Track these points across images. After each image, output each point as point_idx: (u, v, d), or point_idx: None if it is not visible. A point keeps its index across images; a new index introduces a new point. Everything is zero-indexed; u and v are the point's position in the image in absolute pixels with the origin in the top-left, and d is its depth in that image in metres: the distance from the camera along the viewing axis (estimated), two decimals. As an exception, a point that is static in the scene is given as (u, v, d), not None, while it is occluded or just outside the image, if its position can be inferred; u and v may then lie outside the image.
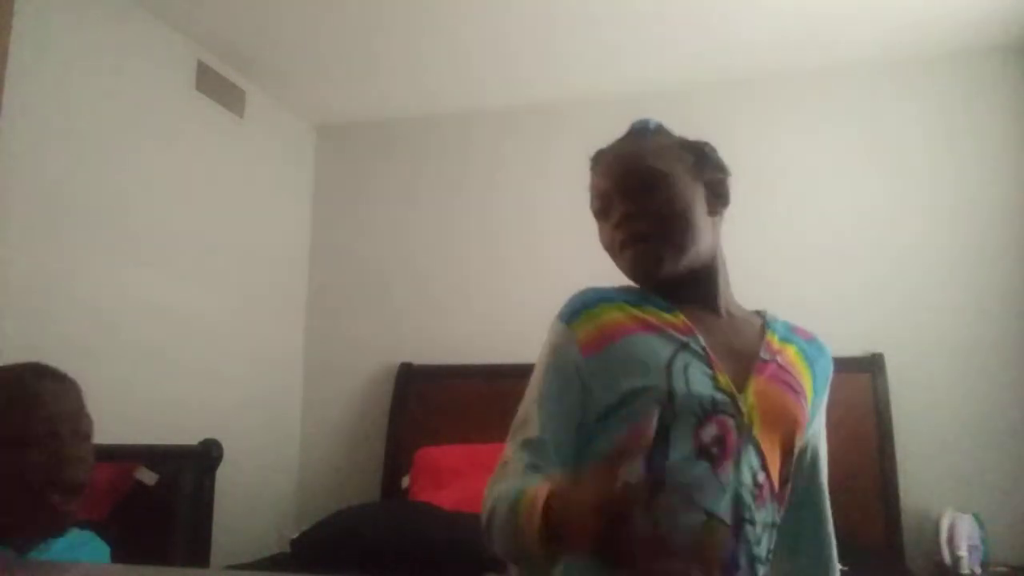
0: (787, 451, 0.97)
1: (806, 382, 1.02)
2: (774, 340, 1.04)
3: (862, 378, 2.71)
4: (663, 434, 0.89)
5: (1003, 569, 2.45)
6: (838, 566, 1.06)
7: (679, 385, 0.92)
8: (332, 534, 2.52)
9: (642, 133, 1.08)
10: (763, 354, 1.01)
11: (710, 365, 0.96)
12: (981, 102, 2.86)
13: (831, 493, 1.09)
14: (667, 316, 1.01)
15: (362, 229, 3.52)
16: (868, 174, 2.94)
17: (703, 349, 0.97)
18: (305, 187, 3.61)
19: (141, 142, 2.63)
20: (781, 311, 1.13)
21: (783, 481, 0.97)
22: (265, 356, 3.25)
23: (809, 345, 1.08)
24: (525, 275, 3.18)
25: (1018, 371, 2.67)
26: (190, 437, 2.04)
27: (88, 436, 1.14)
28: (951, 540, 2.44)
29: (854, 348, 2.75)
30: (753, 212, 2.85)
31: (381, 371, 3.34)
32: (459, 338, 3.23)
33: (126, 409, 2.37)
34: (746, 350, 1.01)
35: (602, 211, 1.05)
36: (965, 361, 2.71)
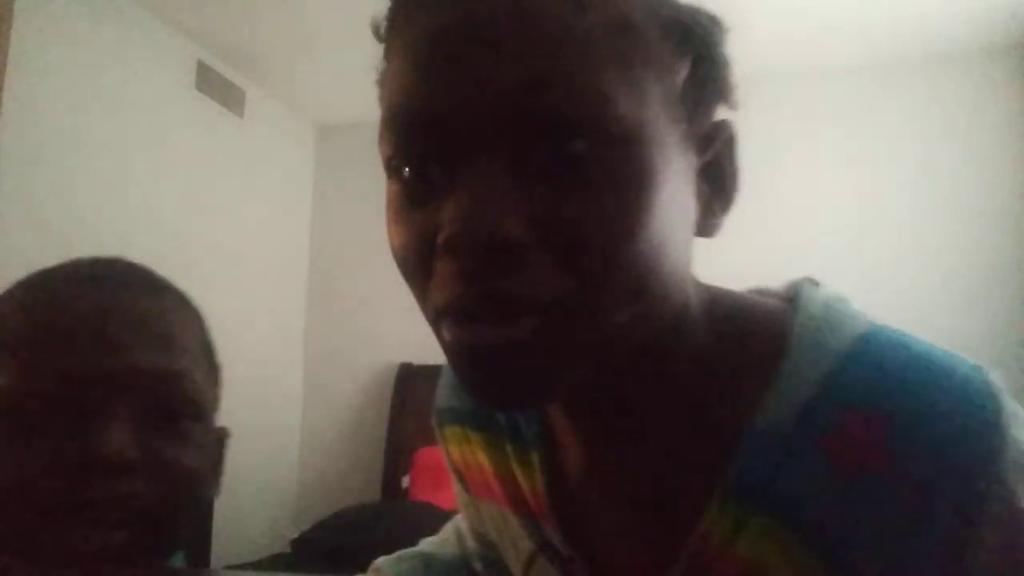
0: None
1: None
2: (721, 523, 0.42)
3: (862, 378, 2.71)
4: None
5: (1003, 569, 2.44)
6: None
7: None
8: (332, 534, 2.53)
9: None
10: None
11: None
12: (980, 102, 2.86)
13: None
14: (519, 468, 0.53)
15: (362, 229, 3.52)
16: (867, 174, 2.94)
17: (563, 561, 0.50)
18: (305, 187, 3.61)
19: (141, 142, 2.63)
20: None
21: None
22: (265, 356, 3.25)
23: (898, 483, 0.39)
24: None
25: (1018, 372, 2.67)
26: (190, 437, 2.04)
27: None
28: (951, 540, 2.44)
29: (854, 348, 2.74)
30: (749, 213, 2.83)
31: (381, 371, 3.33)
32: (459, 338, 3.23)
33: (126, 409, 2.38)
34: (662, 540, 0.45)
35: (409, 176, 0.43)
36: (965, 361, 2.71)
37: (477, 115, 0.37)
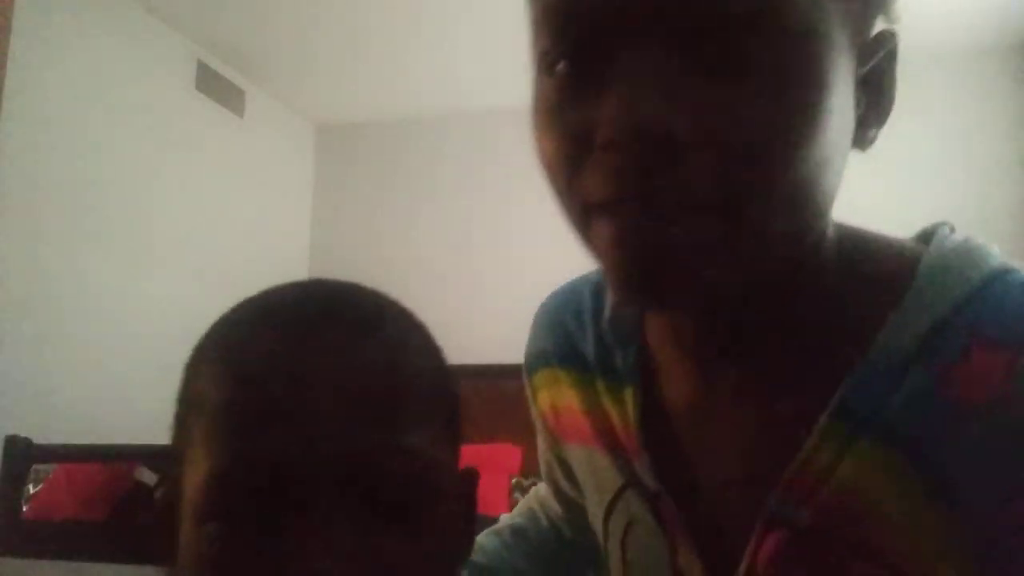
0: None
1: (925, 527, 0.39)
2: (825, 447, 0.41)
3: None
4: None
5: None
6: None
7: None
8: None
9: None
10: (774, 503, 0.42)
11: (663, 528, 0.47)
12: (980, 102, 2.86)
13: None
14: (611, 403, 0.51)
15: (362, 229, 3.51)
16: (865, 174, 2.94)
17: (650, 497, 0.48)
18: (305, 187, 3.61)
19: (141, 142, 2.63)
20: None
21: None
22: (265, 356, 3.25)
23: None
24: (527, 273, 3.18)
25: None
26: (190, 437, 2.04)
27: None
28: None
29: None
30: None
31: (381, 371, 3.33)
32: (459, 338, 3.21)
33: (126, 409, 2.37)
34: (762, 469, 0.43)
35: (565, 70, 0.39)
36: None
37: (645, 1, 0.36)
